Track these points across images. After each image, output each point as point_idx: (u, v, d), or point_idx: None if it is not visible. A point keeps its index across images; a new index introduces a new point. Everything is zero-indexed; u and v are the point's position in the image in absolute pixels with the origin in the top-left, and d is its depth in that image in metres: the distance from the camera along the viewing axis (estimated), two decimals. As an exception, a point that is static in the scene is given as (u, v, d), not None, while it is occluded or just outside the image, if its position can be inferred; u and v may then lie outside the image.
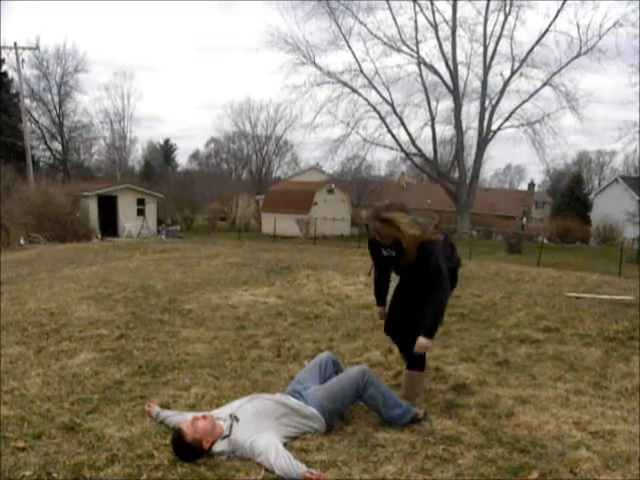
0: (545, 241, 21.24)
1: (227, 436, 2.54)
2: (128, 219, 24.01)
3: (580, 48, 26.51)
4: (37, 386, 3.46)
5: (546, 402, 3.24)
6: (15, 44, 25.87)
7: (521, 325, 5.16)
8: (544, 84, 27.62)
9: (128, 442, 2.64)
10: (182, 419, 2.73)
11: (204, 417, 2.56)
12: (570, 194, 36.93)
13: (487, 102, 28.37)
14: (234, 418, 2.60)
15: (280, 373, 3.74)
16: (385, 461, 2.49)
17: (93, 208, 23.03)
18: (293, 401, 2.80)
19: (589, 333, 4.85)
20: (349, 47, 28.15)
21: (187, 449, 2.46)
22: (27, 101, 33.92)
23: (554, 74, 27.26)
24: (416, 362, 3.22)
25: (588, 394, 3.40)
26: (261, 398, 2.81)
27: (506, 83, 27.98)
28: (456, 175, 30.33)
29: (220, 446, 2.52)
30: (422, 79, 28.53)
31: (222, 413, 2.70)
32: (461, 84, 28.41)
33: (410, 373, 3.24)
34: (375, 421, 2.94)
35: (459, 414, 3.06)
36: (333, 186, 29.20)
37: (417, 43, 27.88)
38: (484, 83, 28.13)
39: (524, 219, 30.82)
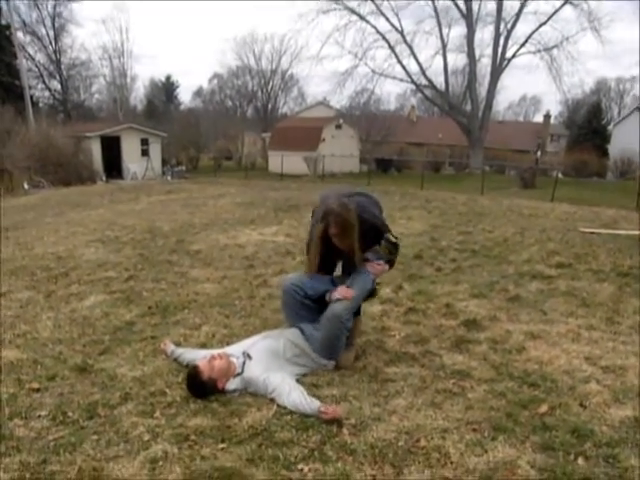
0: (560, 176, 20.68)
1: (240, 374, 2.56)
2: (132, 160, 23.68)
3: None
4: (48, 329, 3.50)
5: (557, 337, 3.24)
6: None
7: (533, 261, 5.10)
8: (564, 3, 25.80)
9: (140, 381, 2.68)
10: (196, 356, 2.76)
11: (220, 356, 2.57)
12: (588, 125, 35.54)
13: (502, 26, 26.75)
14: (247, 356, 2.62)
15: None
16: (395, 395, 2.52)
17: (96, 150, 22.65)
18: (303, 342, 2.79)
19: (603, 269, 4.79)
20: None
21: (202, 387, 2.49)
22: (20, 35, 32.44)
23: (576, -11, 25.34)
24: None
25: (600, 329, 3.38)
26: (274, 336, 2.80)
27: (523, 4, 26.19)
28: (468, 107, 29.27)
29: (233, 384, 2.55)
30: (433, 3, 26.90)
31: (235, 350, 2.71)
32: (475, 7, 26.71)
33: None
34: (386, 357, 2.95)
35: (469, 349, 3.07)
36: (341, 121, 28.32)
37: (429, -39, 25.90)
38: (499, 5, 26.34)
39: (539, 153, 29.88)
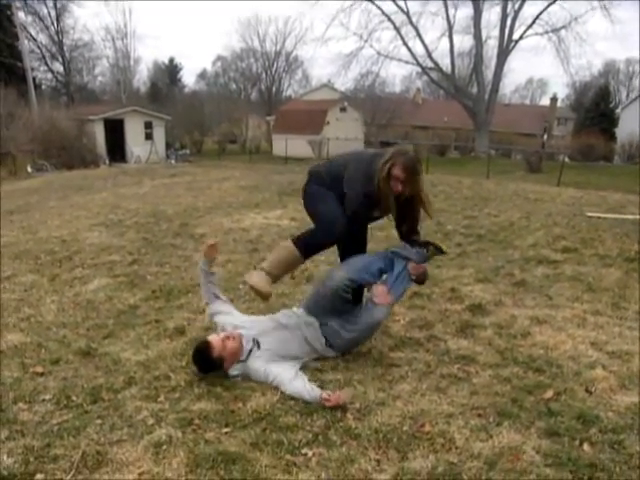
0: (566, 160, 20.43)
1: (243, 361, 2.52)
2: (136, 144, 23.59)
3: None
4: (52, 313, 3.51)
5: (563, 322, 3.21)
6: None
7: (539, 245, 5.06)
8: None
9: (144, 365, 2.68)
10: (219, 309, 2.75)
11: (234, 337, 2.51)
12: (595, 108, 35.04)
13: (509, 7, 26.22)
14: (256, 344, 2.55)
15: (294, 295, 3.74)
16: (400, 380, 2.51)
17: (99, 133, 22.55)
18: (320, 342, 2.69)
19: (609, 254, 4.74)
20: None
21: (209, 363, 2.47)
22: (21, 15, 31.94)
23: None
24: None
25: (606, 315, 3.35)
26: (291, 328, 2.65)
27: (532, -17, 25.54)
28: (474, 90, 28.86)
29: (235, 369, 2.53)
30: (440, -17, 26.26)
31: (249, 329, 2.61)
32: (482, -13, 26.10)
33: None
34: (390, 341, 2.94)
35: (474, 334, 3.05)
36: (346, 104, 28.08)
37: (436, -61, 25.27)
38: (507, -16, 25.75)
39: (545, 136, 29.50)
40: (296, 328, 2.68)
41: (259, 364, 2.50)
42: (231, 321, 2.73)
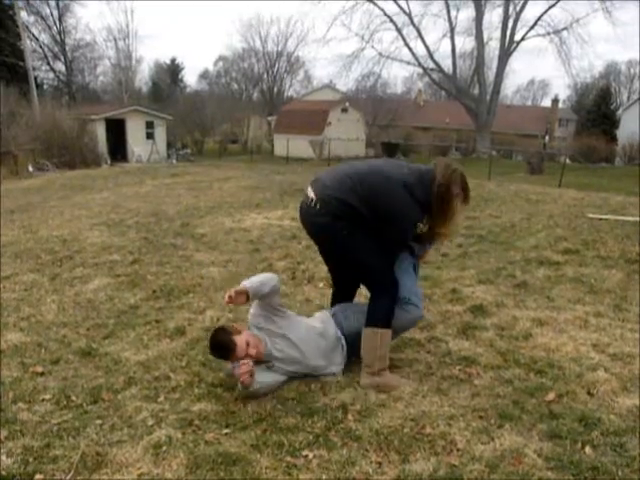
0: (567, 161, 20.42)
1: None
2: (137, 143, 23.57)
3: None
4: (53, 312, 3.50)
5: (564, 324, 3.19)
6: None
7: (540, 247, 5.04)
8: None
9: (144, 365, 2.67)
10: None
11: (258, 353, 2.39)
12: (596, 110, 34.97)
13: (511, 8, 26.23)
14: (273, 361, 2.45)
15: (295, 295, 3.73)
16: (401, 382, 2.49)
17: (101, 132, 22.51)
18: (332, 365, 2.60)
19: (611, 255, 4.72)
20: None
21: (222, 358, 2.43)
22: (24, 15, 31.91)
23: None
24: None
25: (608, 317, 3.33)
26: (321, 365, 2.54)
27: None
28: (476, 91, 28.86)
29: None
30: (442, -16, 26.27)
31: (273, 351, 2.45)
32: (484, -12, 26.10)
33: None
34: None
35: (476, 335, 3.04)
36: (347, 105, 28.05)
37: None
38: (509, -14, 25.76)
39: (546, 138, 29.48)
40: (328, 364, 2.57)
41: (258, 373, 2.43)
42: (262, 327, 2.53)
